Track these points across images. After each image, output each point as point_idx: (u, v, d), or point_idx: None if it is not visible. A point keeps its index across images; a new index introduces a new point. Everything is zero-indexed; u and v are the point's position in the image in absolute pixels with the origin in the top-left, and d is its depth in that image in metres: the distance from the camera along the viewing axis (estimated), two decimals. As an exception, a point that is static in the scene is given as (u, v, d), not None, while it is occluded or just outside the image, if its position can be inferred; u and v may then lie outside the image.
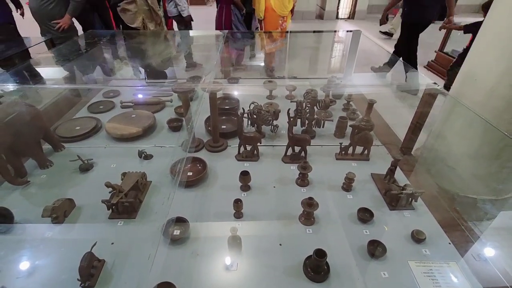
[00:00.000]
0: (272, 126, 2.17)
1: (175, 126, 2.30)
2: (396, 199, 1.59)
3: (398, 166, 1.83)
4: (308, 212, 1.49)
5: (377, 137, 2.25)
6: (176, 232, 1.47)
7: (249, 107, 2.18)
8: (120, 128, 2.20)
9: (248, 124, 2.21)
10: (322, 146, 2.14)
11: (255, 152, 1.97)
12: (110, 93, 2.86)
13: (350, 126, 1.90)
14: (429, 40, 5.77)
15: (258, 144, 1.95)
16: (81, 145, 2.14)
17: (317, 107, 2.13)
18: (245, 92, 3.00)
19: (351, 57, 3.21)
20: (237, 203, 1.51)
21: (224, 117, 2.39)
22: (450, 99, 1.96)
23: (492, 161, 1.87)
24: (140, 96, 2.80)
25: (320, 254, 1.22)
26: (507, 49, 1.62)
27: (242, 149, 1.99)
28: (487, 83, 1.74)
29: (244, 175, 1.67)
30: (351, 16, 11.33)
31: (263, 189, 1.75)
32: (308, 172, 1.71)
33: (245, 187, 1.74)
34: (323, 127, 2.16)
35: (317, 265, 1.25)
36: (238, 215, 1.56)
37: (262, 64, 4.73)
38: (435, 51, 5.30)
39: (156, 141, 2.19)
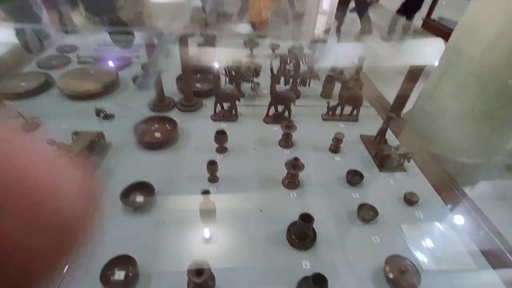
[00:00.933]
0: (253, 84, 1.94)
1: (145, 83, 2.01)
2: (387, 160, 1.45)
3: (388, 128, 1.69)
4: (293, 175, 1.32)
5: (366, 99, 2.09)
6: (139, 199, 1.26)
7: (227, 62, 1.93)
8: (75, 84, 1.88)
9: (226, 82, 1.97)
10: (308, 107, 1.95)
11: (233, 111, 1.75)
12: (65, 47, 2.47)
13: (339, 81, 1.71)
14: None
15: (237, 102, 1.73)
16: (27, 103, 1.82)
17: (303, 62, 1.91)
18: (223, 50, 2.72)
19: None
20: (211, 165, 1.30)
21: (199, 75, 2.12)
22: (447, 54, 1.81)
23: (484, 122, 1.77)
24: (102, 51, 2.45)
25: (306, 218, 1.06)
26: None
27: (218, 108, 1.76)
28: (487, 36, 1.59)
29: (220, 134, 1.46)
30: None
31: (242, 151, 1.56)
32: (292, 132, 1.53)
33: (222, 149, 1.53)
34: (309, 85, 1.96)
35: (302, 231, 1.10)
36: (213, 179, 1.36)
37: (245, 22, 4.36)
38: (422, 18, 5.14)
39: (119, 100, 1.91)
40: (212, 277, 0.95)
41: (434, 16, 4.92)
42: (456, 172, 1.96)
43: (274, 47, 2.40)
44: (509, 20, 1.50)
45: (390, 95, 2.18)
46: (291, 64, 1.92)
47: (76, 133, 1.43)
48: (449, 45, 1.82)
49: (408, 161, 1.45)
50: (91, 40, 2.78)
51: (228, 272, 1.02)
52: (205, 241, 1.12)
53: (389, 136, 1.72)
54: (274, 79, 1.61)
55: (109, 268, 0.98)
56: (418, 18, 5.25)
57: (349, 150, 1.61)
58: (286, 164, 1.30)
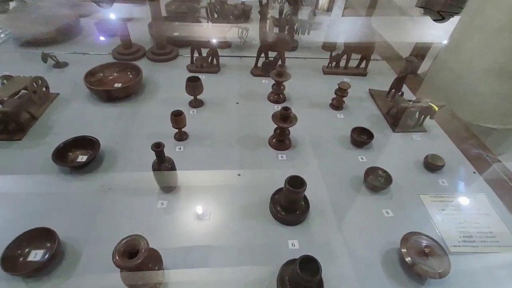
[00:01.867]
0: (240, 30, 1.61)
1: (108, 29, 1.68)
2: (403, 115, 1.14)
3: (404, 83, 1.37)
4: (282, 131, 1.02)
5: (376, 51, 1.75)
6: (81, 158, 0.97)
7: (210, 0, 1.59)
8: (22, 27, 1.55)
9: (208, 23, 1.64)
10: (306, 59, 1.63)
11: (215, 60, 1.44)
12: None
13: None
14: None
15: (220, 51, 1.41)
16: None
17: (302, 4, 1.56)
18: None
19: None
20: (176, 116, 1.01)
21: (177, 23, 1.78)
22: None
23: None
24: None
25: (295, 183, 0.77)
26: None
27: (196, 56, 1.44)
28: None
29: (192, 82, 1.15)
30: None
31: (222, 106, 1.26)
32: (284, 81, 1.22)
33: (196, 102, 1.23)
34: (308, 33, 1.62)
35: (290, 200, 0.81)
36: (180, 136, 1.07)
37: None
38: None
39: (79, 48, 1.59)
40: (155, 258, 0.67)
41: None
42: (484, 136, 1.65)
43: None
44: None
45: (405, 52, 1.85)
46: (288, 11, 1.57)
47: (7, 78, 1.12)
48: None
49: (432, 117, 1.14)
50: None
51: (190, 252, 0.75)
52: (161, 213, 0.84)
53: (404, 90, 1.40)
54: (264, 12, 1.28)
55: (17, 246, 0.71)
56: None
57: (355, 107, 1.31)
58: (273, 116, 1.00)
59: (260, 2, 1.27)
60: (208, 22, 1.57)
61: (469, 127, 1.32)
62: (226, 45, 1.67)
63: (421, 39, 1.69)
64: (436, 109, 1.11)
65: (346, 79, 1.49)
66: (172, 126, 1.03)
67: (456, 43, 1.71)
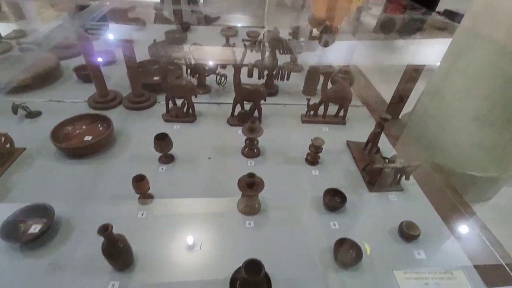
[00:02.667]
0: (218, 77, 1.60)
1: (87, 74, 1.66)
2: (379, 176, 1.10)
3: (382, 133, 1.34)
4: (248, 197, 0.97)
5: (357, 97, 1.74)
6: (35, 228, 0.92)
7: (189, 48, 1.59)
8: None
9: (187, 72, 1.63)
10: (285, 106, 1.62)
11: (190, 109, 1.41)
12: (11, 34, 2.12)
13: (322, 72, 1.37)
14: None
15: (195, 98, 1.39)
16: None
17: (279, 52, 1.56)
18: (196, 38, 2.38)
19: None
20: (138, 182, 0.96)
21: (156, 66, 1.77)
22: (457, 42, 1.45)
23: (504, 128, 1.42)
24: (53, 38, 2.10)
25: (253, 268, 0.72)
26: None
27: (171, 105, 1.42)
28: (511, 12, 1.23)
29: (161, 140, 1.12)
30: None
31: (194, 161, 1.22)
32: (257, 137, 1.19)
33: (166, 158, 1.19)
34: (287, 79, 1.61)
35: (249, 286, 0.75)
36: (144, 199, 1.02)
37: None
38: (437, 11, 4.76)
39: (56, 94, 1.57)
40: None
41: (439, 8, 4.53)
42: (465, 187, 1.61)
43: (252, 35, 2.05)
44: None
45: (388, 95, 1.84)
46: (266, 53, 1.57)
47: (-34, 135, 1.09)
48: (461, 28, 1.46)
49: (407, 178, 1.10)
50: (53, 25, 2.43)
51: None
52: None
53: (383, 143, 1.37)
54: (238, 66, 1.26)
55: None
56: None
57: (331, 162, 1.27)
58: (239, 182, 0.96)
59: (234, 59, 1.25)
60: (187, 71, 1.56)
61: (450, 178, 1.27)
62: (206, 90, 1.65)
63: (403, 85, 1.68)
64: (411, 170, 1.06)
65: (324, 128, 1.47)
66: (134, 190, 0.99)
67: (436, 88, 1.70)
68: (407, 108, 1.87)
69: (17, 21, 2.44)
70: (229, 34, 2.29)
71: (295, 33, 1.97)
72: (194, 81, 1.65)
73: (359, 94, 1.78)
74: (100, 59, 1.64)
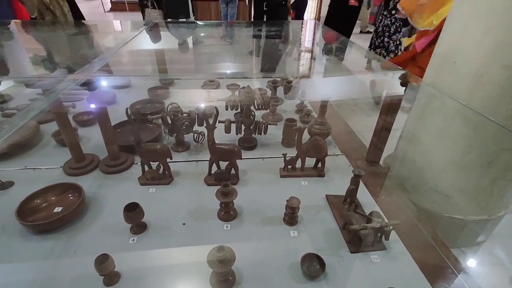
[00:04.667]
0: (195, 135, 1.61)
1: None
2: (359, 237, 1.05)
3: (362, 183, 1.32)
4: (218, 273, 0.91)
5: (336, 145, 1.76)
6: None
7: (167, 108, 1.62)
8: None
9: (165, 132, 1.64)
10: (264, 159, 1.61)
11: (166, 171, 1.39)
12: (-6, 99, 2.16)
13: (294, 129, 1.38)
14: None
15: (170, 160, 1.38)
16: None
17: (255, 107, 1.59)
18: (178, 93, 2.44)
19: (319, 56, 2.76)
20: (100, 264, 0.90)
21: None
22: (426, 88, 1.50)
23: (483, 171, 1.40)
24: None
25: None
26: (497, 17, 1.17)
27: (147, 168, 1.40)
28: (472, 65, 1.28)
29: (130, 211, 1.08)
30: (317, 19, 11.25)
31: (167, 229, 1.17)
32: (231, 200, 1.15)
33: (137, 228, 1.14)
34: (265, 133, 1.62)
35: None
36: (110, 281, 0.95)
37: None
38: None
39: (32, 161, 1.55)
40: None
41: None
42: (454, 232, 1.55)
43: (232, 88, 2.11)
44: (496, 44, 1.21)
45: (368, 136, 1.85)
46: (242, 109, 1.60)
47: None
48: (426, 81, 1.51)
49: (386, 238, 1.05)
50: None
51: None
52: None
53: (364, 195, 1.34)
54: (210, 127, 1.27)
55: None
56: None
57: (310, 220, 1.22)
58: (208, 258, 0.90)
59: (206, 120, 1.26)
60: (166, 134, 1.57)
61: (435, 235, 1.22)
62: (184, 147, 1.65)
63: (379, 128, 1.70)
64: (390, 229, 1.02)
65: (303, 182, 1.44)
66: (96, 271, 0.92)
67: (413, 131, 1.72)
68: (390, 148, 1.88)
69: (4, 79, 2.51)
70: (210, 88, 2.36)
71: (274, 85, 2.03)
72: (172, 139, 1.66)
73: (338, 141, 1.79)
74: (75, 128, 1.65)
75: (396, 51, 4.55)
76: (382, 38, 4.56)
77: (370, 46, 4.80)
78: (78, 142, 1.46)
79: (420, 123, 1.63)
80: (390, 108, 1.55)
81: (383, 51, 4.63)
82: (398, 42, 4.50)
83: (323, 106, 1.65)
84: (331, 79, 2.23)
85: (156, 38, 3.19)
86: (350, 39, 3.90)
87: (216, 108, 1.33)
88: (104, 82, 1.66)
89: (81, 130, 1.81)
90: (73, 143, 1.42)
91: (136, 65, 3.13)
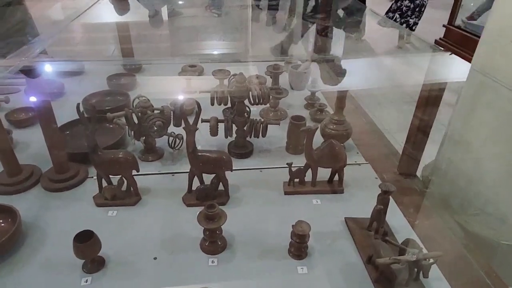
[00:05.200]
0: (171, 138, 1.62)
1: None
2: (390, 274, 1.06)
3: (393, 201, 1.33)
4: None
5: (359, 151, 1.79)
6: None
7: (132, 103, 1.63)
8: None
9: (130, 135, 1.65)
10: (262, 171, 1.63)
11: (131, 187, 1.40)
12: None
13: (302, 130, 1.40)
14: (435, 13, 5.63)
15: (136, 173, 1.39)
16: None
17: (250, 102, 1.60)
18: (151, 85, 2.46)
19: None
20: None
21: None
22: (474, 76, 1.51)
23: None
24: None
25: None
26: None
27: (105, 183, 1.40)
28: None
29: (82, 242, 1.07)
30: None
31: (132, 265, 1.18)
32: (218, 226, 1.16)
33: (92, 265, 1.14)
34: (263, 135, 1.64)
35: None
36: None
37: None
38: (444, 26, 5.11)
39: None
40: None
41: (459, 21, 4.86)
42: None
43: (219, 75, 2.12)
44: None
45: (401, 138, 1.86)
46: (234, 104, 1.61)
47: None
48: (474, 66, 1.53)
49: (425, 276, 1.06)
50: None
51: None
52: None
53: (395, 218, 1.35)
54: (190, 129, 1.28)
55: None
56: (439, 26, 5.24)
57: (324, 251, 1.24)
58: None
59: (185, 119, 1.27)
60: (131, 137, 1.58)
61: (491, 270, 1.22)
62: (156, 156, 1.66)
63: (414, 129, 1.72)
64: (430, 263, 1.03)
65: (315, 200, 1.46)
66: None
67: (459, 133, 1.73)
68: (430, 154, 1.89)
69: None
70: (191, 74, 2.37)
71: (275, 72, 2.05)
72: (140, 145, 1.66)
73: (361, 145, 1.81)
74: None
75: (413, 16, 4.70)
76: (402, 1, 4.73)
77: (387, 12, 4.96)
78: (12, 149, 1.46)
79: (468, 121, 1.64)
80: (429, 101, 1.56)
81: (397, 15, 4.78)
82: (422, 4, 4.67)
83: (341, 98, 1.67)
84: (351, 62, 2.26)
85: (119, 8, 3.21)
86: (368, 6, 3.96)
87: (198, 102, 1.33)
88: (48, 68, 1.67)
89: (17, 132, 1.82)
90: (5, 150, 1.42)
91: (92, 45, 3.16)
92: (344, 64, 2.11)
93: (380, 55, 3.17)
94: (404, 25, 5.20)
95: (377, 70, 2.09)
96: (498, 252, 1.63)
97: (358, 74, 2.08)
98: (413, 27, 5.44)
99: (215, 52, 3.90)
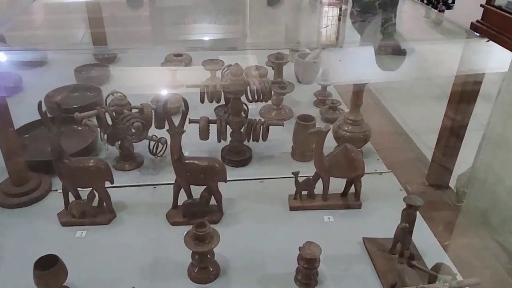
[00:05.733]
0: (152, 143, 1.64)
1: None
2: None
3: (420, 217, 1.36)
4: None
5: (379, 157, 1.82)
6: None
7: (105, 101, 1.66)
8: None
9: (103, 139, 1.66)
10: (263, 181, 1.66)
11: (104, 202, 1.42)
12: None
13: (311, 133, 1.43)
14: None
15: (110, 185, 1.42)
16: None
17: (248, 98, 1.62)
18: (127, 78, 2.48)
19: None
20: None
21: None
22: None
23: None
24: None
25: None
26: None
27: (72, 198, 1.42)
28: None
29: (44, 270, 1.08)
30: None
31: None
32: (210, 249, 1.17)
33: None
34: (264, 139, 1.67)
35: None
36: None
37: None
38: (482, 5, 5.17)
39: None
40: None
41: (501, 0, 4.91)
42: None
43: (210, 67, 2.14)
44: None
45: (431, 141, 1.88)
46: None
47: None
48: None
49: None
50: None
51: None
52: None
53: (422, 238, 1.36)
54: (175, 131, 1.29)
55: None
56: (477, 7, 5.29)
57: (338, 277, 1.26)
58: None
59: (169, 120, 1.28)
60: (104, 141, 1.60)
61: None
62: (134, 164, 1.68)
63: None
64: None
65: (327, 217, 1.48)
66: None
67: (501, 134, 1.75)
68: (466, 161, 1.91)
69: None
70: (177, 65, 2.39)
71: (278, 62, 2.07)
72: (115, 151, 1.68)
73: (382, 150, 1.83)
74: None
75: None
76: None
77: None
78: None
79: (510, 120, 1.66)
80: (463, 96, 1.58)
81: None
82: None
83: (358, 93, 1.68)
84: (370, 49, 2.29)
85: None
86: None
87: (184, 99, 1.35)
88: (1, 57, 1.69)
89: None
90: None
91: (57, 29, 3.18)
92: (363, 50, 2.15)
93: (405, 41, 3.20)
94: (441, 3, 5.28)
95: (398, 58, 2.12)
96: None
97: (374, 63, 2.10)
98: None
99: (206, 38, 3.93)
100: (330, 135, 1.66)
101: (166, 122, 1.32)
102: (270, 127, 1.68)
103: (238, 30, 3.94)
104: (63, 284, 1.14)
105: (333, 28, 2.84)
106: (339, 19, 2.79)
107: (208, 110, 1.81)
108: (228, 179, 1.42)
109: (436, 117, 1.80)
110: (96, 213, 1.42)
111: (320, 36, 2.92)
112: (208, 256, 1.20)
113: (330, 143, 1.59)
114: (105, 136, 1.62)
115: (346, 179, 1.50)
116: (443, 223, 1.48)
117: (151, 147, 1.66)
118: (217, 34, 3.97)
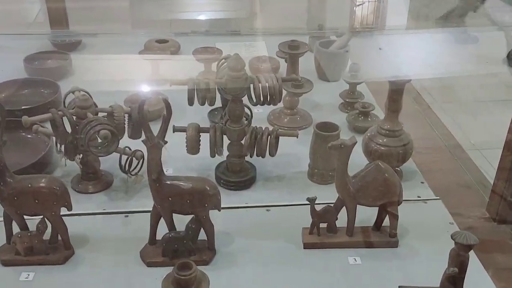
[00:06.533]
0: (125, 157, 1.67)
1: None
2: None
3: (476, 259, 1.37)
4: None
5: (424, 179, 1.83)
6: None
7: (64, 101, 1.70)
8: None
9: (59, 151, 1.69)
10: (270, 209, 1.68)
11: (59, 235, 1.44)
12: None
13: (330, 147, 1.43)
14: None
15: (67, 212, 1.44)
16: None
17: (251, 100, 1.64)
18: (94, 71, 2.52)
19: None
20: None
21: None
22: None
23: None
24: None
25: None
26: None
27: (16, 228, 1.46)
28: None
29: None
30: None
31: None
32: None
33: None
34: (272, 154, 1.68)
35: None
36: None
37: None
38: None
39: None
40: None
41: None
42: None
43: (203, 57, 2.18)
44: None
45: (494, 159, 1.89)
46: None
47: None
48: None
49: None
50: None
51: None
52: None
53: (477, 286, 1.37)
54: (152, 143, 1.32)
55: None
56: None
57: None
58: None
59: (146, 127, 1.31)
60: (61, 154, 1.63)
61: None
62: (100, 185, 1.70)
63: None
64: None
65: (352, 258, 1.48)
66: None
67: None
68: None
69: None
70: (160, 54, 2.44)
71: (293, 52, 2.09)
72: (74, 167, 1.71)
73: (428, 171, 1.83)
74: None
75: None
76: None
77: None
78: None
79: None
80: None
81: None
82: None
83: (397, 93, 1.70)
84: (418, 36, 2.31)
85: None
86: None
87: (166, 101, 1.38)
88: None
89: None
90: None
91: (2, 4, 3.23)
92: (409, 38, 2.18)
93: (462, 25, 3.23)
94: None
95: (455, 48, 2.14)
96: None
97: (424, 54, 2.12)
98: None
99: (199, 18, 3.97)
100: (359, 150, 1.68)
101: (143, 130, 1.35)
102: (281, 138, 1.70)
103: (243, 7, 3.96)
104: None
105: (371, 5, 2.85)
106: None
107: (199, 115, 1.84)
108: (223, 206, 1.43)
109: (501, 127, 1.81)
110: (48, 249, 1.43)
111: (354, 17, 2.91)
112: (194, 307, 1.23)
113: (359, 160, 1.61)
114: (62, 147, 1.64)
115: (378, 208, 1.51)
116: (507, 270, 1.49)
117: (122, 163, 1.68)
118: (215, 12, 4.02)
